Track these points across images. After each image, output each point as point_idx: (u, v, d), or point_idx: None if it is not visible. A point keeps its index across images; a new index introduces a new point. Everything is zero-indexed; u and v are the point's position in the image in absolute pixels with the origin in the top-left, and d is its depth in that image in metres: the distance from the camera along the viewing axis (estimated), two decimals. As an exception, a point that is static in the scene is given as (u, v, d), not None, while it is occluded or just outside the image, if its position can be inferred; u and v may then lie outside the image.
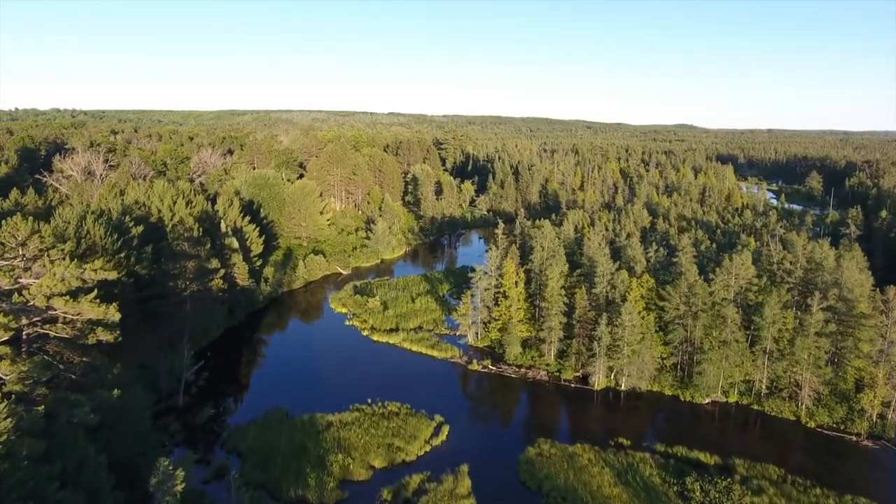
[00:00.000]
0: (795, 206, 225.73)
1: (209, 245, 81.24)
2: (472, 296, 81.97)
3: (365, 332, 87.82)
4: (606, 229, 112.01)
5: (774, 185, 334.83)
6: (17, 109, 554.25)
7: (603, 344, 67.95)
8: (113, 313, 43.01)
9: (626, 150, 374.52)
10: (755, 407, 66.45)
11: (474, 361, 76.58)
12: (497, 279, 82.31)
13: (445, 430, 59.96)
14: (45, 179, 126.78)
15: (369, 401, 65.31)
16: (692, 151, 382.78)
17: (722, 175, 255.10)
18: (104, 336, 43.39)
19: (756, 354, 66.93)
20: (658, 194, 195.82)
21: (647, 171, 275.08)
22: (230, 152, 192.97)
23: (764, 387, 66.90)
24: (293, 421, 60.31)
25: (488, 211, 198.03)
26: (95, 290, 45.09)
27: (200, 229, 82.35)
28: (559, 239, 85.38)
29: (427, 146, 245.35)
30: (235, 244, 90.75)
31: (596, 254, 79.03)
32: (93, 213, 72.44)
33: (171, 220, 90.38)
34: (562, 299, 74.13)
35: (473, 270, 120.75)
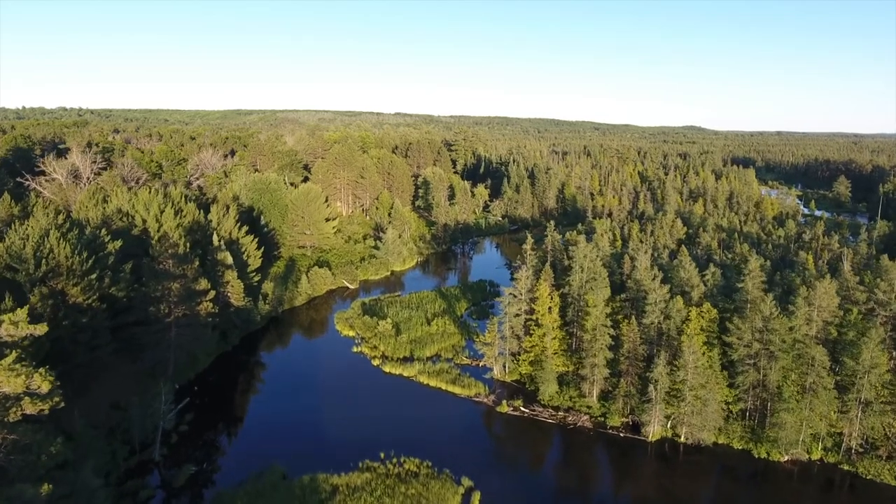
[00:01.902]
0: (823, 213, 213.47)
1: (198, 262, 70.66)
2: (500, 322, 71.04)
3: (375, 362, 77.05)
4: (642, 243, 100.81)
5: (795, 189, 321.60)
6: (24, 108, 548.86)
7: (660, 388, 56.96)
8: (40, 382, 32.31)
9: (639, 153, 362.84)
10: (845, 467, 55.26)
11: (503, 402, 65.66)
12: (528, 304, 71.38)
13: (476, 498, 49.13)
14: (27, 183, 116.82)
15: (382, 455, 54.57)
16: (708, 154, 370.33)
17: (743, 179, 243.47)
18: (31, 409, 32.81)
19: (847, 403, 55.74)
20: (682, 200, 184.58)
21: (667, 174, 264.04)
22: (233, 153, 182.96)
23: (856, 443, 55.68)
24: (291, 484, 49.61)
25: (503, 217, 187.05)
26: (14, 353, 33.52)
27: (188, 244, 71.82)
28: (599, 257, 74.19)
29: (438, 148, 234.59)
30: (229, 259, 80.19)
31: (645, 277, 68.02)
32: (58, 227, 61.92)
33: (158, 231, 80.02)
34: (607, 331, 63.14)
35: (493, 286, 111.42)
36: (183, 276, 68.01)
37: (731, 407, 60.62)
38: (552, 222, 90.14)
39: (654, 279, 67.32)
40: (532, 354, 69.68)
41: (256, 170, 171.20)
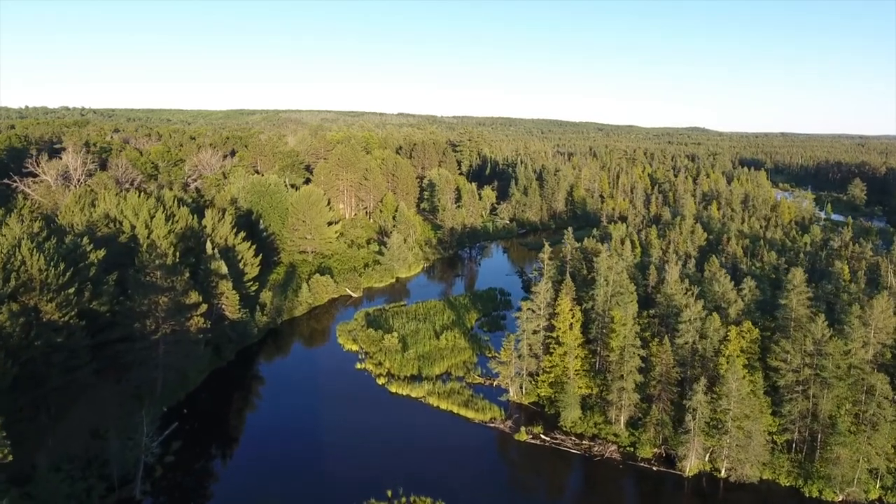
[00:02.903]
0: (849, 218, 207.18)
1: (188, 274, 64.98)
2: (517, 339, 65.17)
3: (381, 381, 71.25)
4: (664, 251, 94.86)
5: (808, 191, 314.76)
6: (26, 107, 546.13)
7: (699, 418, 51.08)
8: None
9: (645, 153, 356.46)
10: (908, 509, 49.37)
11: (521, 429, 59.77)
12: (547, 319, 65.52)
13: (496, 547, 43.35)
14: (14, 185, 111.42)
15: (389, 494, 48.78)
16: (716, 156, 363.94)
17: (755, 181, 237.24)
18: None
19: (910, 438, 49.79)
20: (696, 203, 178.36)
21: (676, 176, 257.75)
22: (233, 153, 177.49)
23: (921, 482, 49.72)
24: (286, 530, 43.92)
25: (511, 220, 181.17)
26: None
27: (178, 254, 66.17)
28: (624, 268, 68.11)
29: (443, 148, 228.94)
30: (224, 269, 74.50)
31: (676, 291, 62.13)
32: (33, 236, 56.30)
33: (148, 238, 74.46)
34: (637, 352, 57.26)
35: (504, 295, 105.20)
36: (172, 288, 62.38)
37: (775, 437, 54.65)
38: (570, 229, 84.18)
39: (686, 293, 61.43)
40: (552, 375, 63.87)
41: (257, 171, 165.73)
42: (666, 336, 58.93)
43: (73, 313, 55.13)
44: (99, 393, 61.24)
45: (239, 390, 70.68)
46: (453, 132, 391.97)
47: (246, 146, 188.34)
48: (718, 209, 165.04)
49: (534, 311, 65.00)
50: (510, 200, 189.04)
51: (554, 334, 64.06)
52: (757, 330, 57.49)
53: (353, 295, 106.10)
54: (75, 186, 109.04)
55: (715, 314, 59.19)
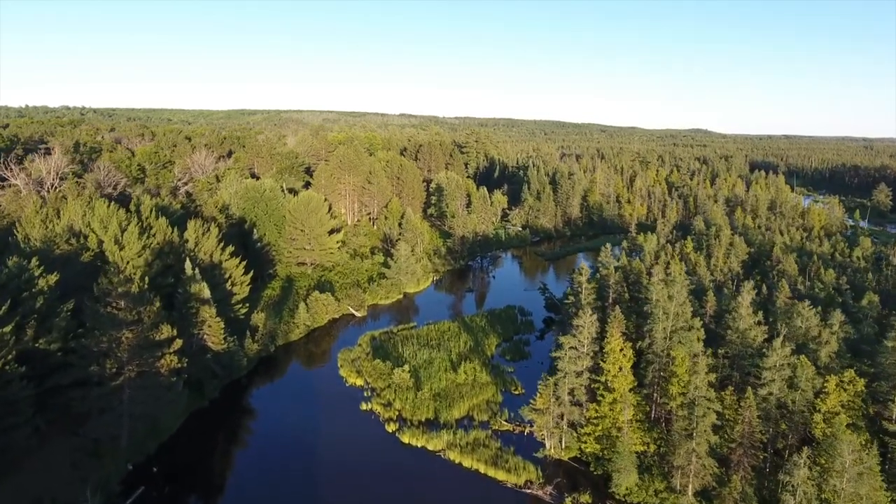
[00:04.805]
0: (864, 224, 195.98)
1: (158, 303, 53.84)
2: (556, 384, 53.98)
3: (390, 427, 60.06)
4: (711, 271, 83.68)
5: (826, 196, 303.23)
6: (26, 107, 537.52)
7: (801, 499, 39.94)
8: None
9: (649, 154, 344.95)
10: None
11: (566, 498, 48.63)
12: (592, 358, 54.36)
13: None
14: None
15: None
16: (729, 158, 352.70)
17: (775, 186, 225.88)
18: None
19: None
20: (719, 210, 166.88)
21: (692, 179, 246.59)
22: (230, 154, 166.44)
23: None
24: None
25: (524, 227, 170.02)
26: None
27: (146, 278, 55.03)
28: (686, 296, 56.70)
29: (450, 150, 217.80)
30: (206, 292, 63.36)
31: (753, 328, 50.96)
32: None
33: (119, 255, 63.49)
34: (712, 406, 46.12)
35: (525, 314, 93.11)
36: (138, 321, 51.30)
37: (890, 517, 43.55)
38: (608, 245, 73.08)
39: (758, 326, 50.29)
40: (599, 428, 52.73)
41: (253, 174, 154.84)
42: (747, 387, 47.77)
43: (9, 357, 44.14)
44: (47, 451, 50.25)
45: (223, 439, 59.53)
46: (455, 133, 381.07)
47: (243, 147, 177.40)
48: (744, 216, 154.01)
49: (576, 350, 53.81)
50: (522, 206, 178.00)
51: (602, 378, 52.90)
52: (862, 381, 46.36)
53: (357, 314, 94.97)
54: (47, 192, 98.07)
55: (803, 358, 48.09)
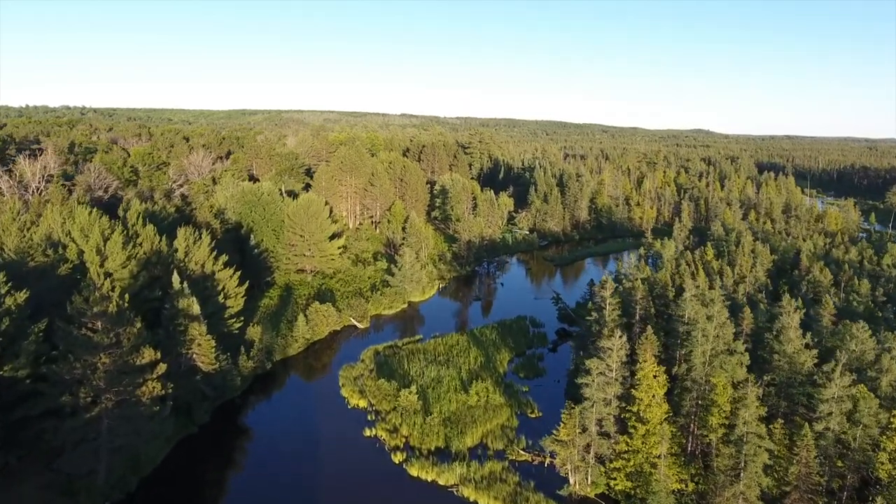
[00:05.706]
0: (881, 228, 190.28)
1: (140, 323, 48.48)
2: (581, 412, 48.58)
3: (397, 458, 54.65)
4: (737, 282, 78.24)
5: (836, 197, 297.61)
6: (27, 106, 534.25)
7: (875, 558, 34.57)
8: None
9: (656, 155, 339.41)
10: None
11: (596, 546, 43.30)
12: (620, 385, 48.98)
13: None
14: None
15: None
16: (736, 159, 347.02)
17: (785, 188, 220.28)
18: None
19: None
20: (733, 213, 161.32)
21: (700, 180, 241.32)
22: (229, 155, 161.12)
23: None
24: None
25: (531, 231, 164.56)
26: None
27: (126, 295, 49.64)
28: (727, 316, 51.00)
29: (454, 151, 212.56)
30: (195, 308, 58.01)
31: (802, 354, 45.54)
32: None
33: (101, 268, 58.13)
34: (763, 444, 40.71)
35: (537, 326, 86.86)
36: (116, 344, 45.95)
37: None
38: (632, 256, 67.56)
39: (820, 357, 44.90)
40: (631, 464, 47.34)
41: (252, 175, 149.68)
42: (795, 418, 42.39)
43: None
44: (17, 489, 44.95)
45: (212, 469, 54.16)
46: (457, 133, 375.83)
47: (242, 147, 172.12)
48: (758, 220, 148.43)
49: (605, 375, 48.39)
50: (529, 209, 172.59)
51: (633, 408, 47.52)
52: (936, 419, 40.92)
53: (359, 326, 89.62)
54: (33, 194, 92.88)
55: (863, 388, 42.71)
